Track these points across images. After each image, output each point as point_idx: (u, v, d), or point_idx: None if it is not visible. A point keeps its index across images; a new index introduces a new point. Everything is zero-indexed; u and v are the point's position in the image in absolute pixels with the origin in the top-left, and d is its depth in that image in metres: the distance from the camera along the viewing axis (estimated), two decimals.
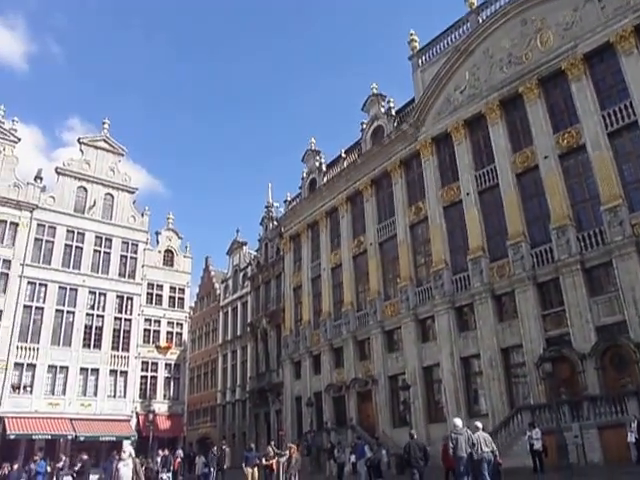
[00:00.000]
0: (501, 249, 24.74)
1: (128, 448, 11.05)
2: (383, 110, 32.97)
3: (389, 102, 32.95)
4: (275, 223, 42.09)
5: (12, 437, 32.63)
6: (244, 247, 45.93)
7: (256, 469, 19.37)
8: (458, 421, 12.89)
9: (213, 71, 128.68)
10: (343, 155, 35.62)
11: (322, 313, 34.32)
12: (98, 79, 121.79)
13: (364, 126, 34.00)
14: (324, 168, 37.39)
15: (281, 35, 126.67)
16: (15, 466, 24.40)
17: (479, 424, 12.83)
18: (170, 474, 24.46)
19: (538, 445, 18.50)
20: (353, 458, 25.57)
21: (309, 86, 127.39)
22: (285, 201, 41.00)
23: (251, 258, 44.77)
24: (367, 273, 31.79)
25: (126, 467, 10.66)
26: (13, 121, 39.86)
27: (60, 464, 26.65)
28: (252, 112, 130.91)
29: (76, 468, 25.78)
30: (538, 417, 20.33)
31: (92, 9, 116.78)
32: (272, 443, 23.37)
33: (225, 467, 22.60)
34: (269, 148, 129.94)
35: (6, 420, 33.14)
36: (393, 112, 32.46)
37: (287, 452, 19.03)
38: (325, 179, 36.61)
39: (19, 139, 39.52)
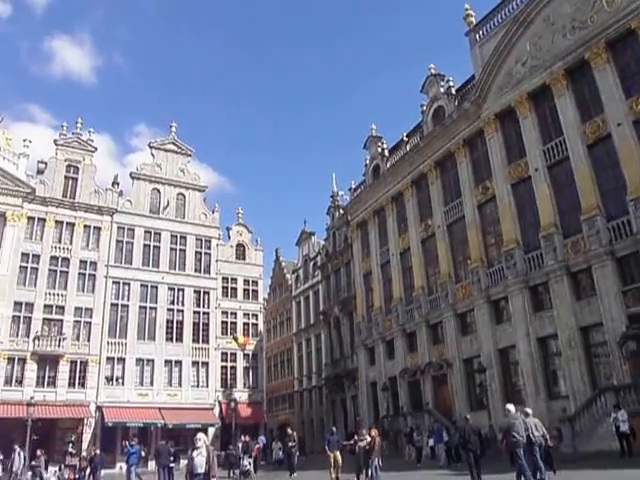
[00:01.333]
0: (575, 224, 23.00)
1: (202, 436, 10.65)
2: (443, 90, 31.47)
3: (448, 81, 31.41)
4: (341, 211, 41.41)
5: (110, 425, 34.39)
6: (312, 237, 45.60)
7: (339, 453, 18.84)
8: (511, 407, 13.00)
9: (272, 65, 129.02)
10: (405, 139, 34.37)
11: (393, 298, 33.46)
12: (160, 85, 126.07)
13: (424, 108, 32.59)
14: (387, 153, 36.27)
15: (335, 19, 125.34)
16: (98, 451, 25.11)
17: (529, 410, 13.18)
18: (251, 459, 24.43)
19: (625, 427, 17.19)
20: (431, 442, 24.87)
21: (367, 72, 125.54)
22: (350, 189, 40.22)
23: (320, 247, 44.34)
24: (436, 256, 30.63)
25: (200, 455, 10.34)
26: (89, 132, 41.14)
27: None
28: (311, 103, 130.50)
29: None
30: (623, 398, 18.79)
31: (151, 20, 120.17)
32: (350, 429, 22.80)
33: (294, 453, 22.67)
34: (330, 137, 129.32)
35: (104, 409, 34.95)
36: (453, 91, 30.96)
37: (366, 437, 18.25)
38: (388, 164, 35.56)
39: (96, 148, 40.76)
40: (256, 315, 43.38)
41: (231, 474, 24.68)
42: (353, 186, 39.96)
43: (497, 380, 25.41)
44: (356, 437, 19.47)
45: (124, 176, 42.83)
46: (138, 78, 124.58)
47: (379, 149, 36.87)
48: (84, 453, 31.29)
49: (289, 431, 25.03)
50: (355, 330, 36.93)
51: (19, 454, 23.96)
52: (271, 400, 43.83)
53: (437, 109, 31.77)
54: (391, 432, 29.48)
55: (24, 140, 38.80)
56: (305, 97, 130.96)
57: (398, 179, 34.04)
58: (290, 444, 23.55)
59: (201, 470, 10.19)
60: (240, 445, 25.50)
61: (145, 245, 40.33)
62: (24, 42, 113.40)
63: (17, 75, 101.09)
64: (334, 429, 21.10)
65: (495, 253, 27.18)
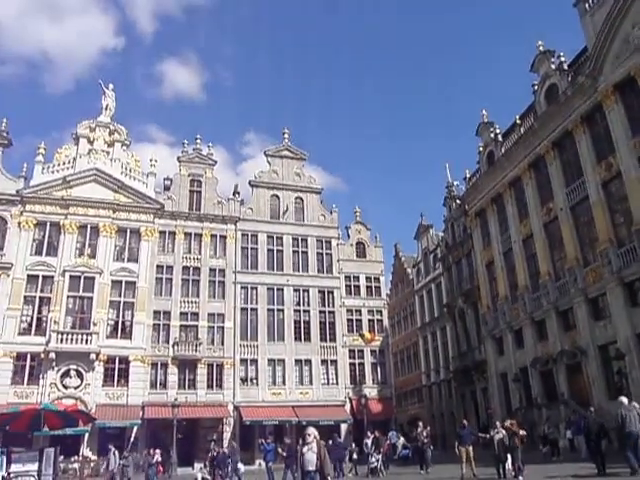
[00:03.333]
0: None
1: (312, 431, 10.11)
2: (554, 67, 30.40)
3: (559, 57, 30.31)
4: (458, 202, 41.10)
5: (247, 423, 36.50)
6: (430, 230, 45.61)
7: (471, 447, 18.81)
8: (624, 399, 13.29)
9: (372, 59, 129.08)
10: (518, 122, 33.58)
11: (518, 286, 32.82)
12: (263, 93, 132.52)
13: (536, 87, 31.67)
14: (500, 138, 35.58)
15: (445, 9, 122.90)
16: (221, 450, 26.56)
17: (636, 404, 13.30)
18: (380, 456, 24.16)
19: None
20: (569, 434, 24.11)
21: (470, 57, 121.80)
22: (465, 178, 39.84)
23: (439, 240, 44.29)
24: (561, 240, 29.69)
25: (310, 451, 9.86)
26: (208, 147, 44.14)
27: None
28: (416, 94, 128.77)
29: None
30: None
31: (249, 31, 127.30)
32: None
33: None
34: (440, 127, 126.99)
35: (241, 409, 37.11)
36: (565, 67, 29.84)
37: (501, 430, 18.03)
38: (503, 150, 34.87)
39: (215, 162, 43.73)
40: (380, 311, 44.21)
41: (355, 471, 24.72)
42: (468, 175, 39.54)
43: (638, 366, 24.23)
44: (491, 431, 19.16)
45: (241, 184, 45.59)
46: (242, 89, 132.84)
47: (492, 135, 36.23)
48: (224, 450, 33.78)
49: (420, 425, 24.78)
50: (481, 321, 36.56)
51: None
52: (400, 395, 44.39)
53: (550, 87, 30.74)
54: (526, 424, 28.93)
55: (150, 160, 42.45)
56: (409, 85, 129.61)
57: (514, 164, 33.33)
58: (424, 440, 23.22)
59: (312, 467, 9.74)
60: (369, 441, 25.32)
61: (269, 250, 42.45)
62: (138, 69, 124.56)
63: (134, 100, 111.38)
64: (465, 423, 21.21)
65: (625, 232, 25.91)
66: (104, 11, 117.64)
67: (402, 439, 27.99)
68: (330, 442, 26.22)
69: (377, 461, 23.43)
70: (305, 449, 10.01)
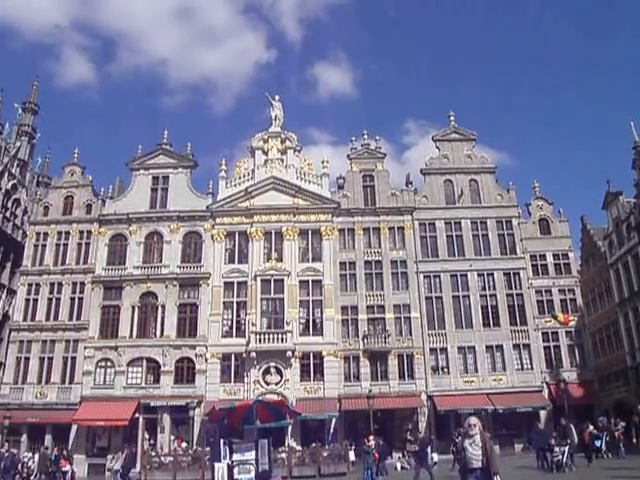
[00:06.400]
0: None
1: (475, 421, 9.33)
2: None
3: None
4: None
5: (442, 412, 38.31)
6: (620, 197, 43.20)
7: None
8: None
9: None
10: None
11: None
12: (413, 80, 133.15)
13: None
14: None
15: None
16: (380, 441, 27.99)
17: None
18: (566, 448, 22.09)
19: None
20: None
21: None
22: None
23: (631, 207, 41.96)
24: None
25: (474, 445, 8.97)
26: (375, 140, 46.59)
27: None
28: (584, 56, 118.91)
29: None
30: None
31: (394, 23, 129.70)
32: None
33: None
34: (614, 83, 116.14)
35: (434, 398, 38.96)
36: None
37: None
38: None
39: (384, 154, 46.14)
40: (572, 290, 43.22)
41: (543, 464, 23.39)
42: None
43: None
44: None
45: (411, 173, 47.65)
46: (393, 79, 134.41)
47: None
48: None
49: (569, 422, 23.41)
50: None
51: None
52: (602, 378, 43.02)
53: None
54: None
55: (322, 161, 45.91)
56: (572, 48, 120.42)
57: None
58: None
59: (477, 464, 8.82)
60: (559, 430, 24.45)
61: (447, 236, 43.61)
62: (292, 77, 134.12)
63: (293, 106, 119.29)
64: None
65: None
66: (254, 28, 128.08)
67: (590, 427, 26.26)
68: (531, 431, 26.92)
69: (562, 454, 21.70)
70: (467, 443, 9.12)
